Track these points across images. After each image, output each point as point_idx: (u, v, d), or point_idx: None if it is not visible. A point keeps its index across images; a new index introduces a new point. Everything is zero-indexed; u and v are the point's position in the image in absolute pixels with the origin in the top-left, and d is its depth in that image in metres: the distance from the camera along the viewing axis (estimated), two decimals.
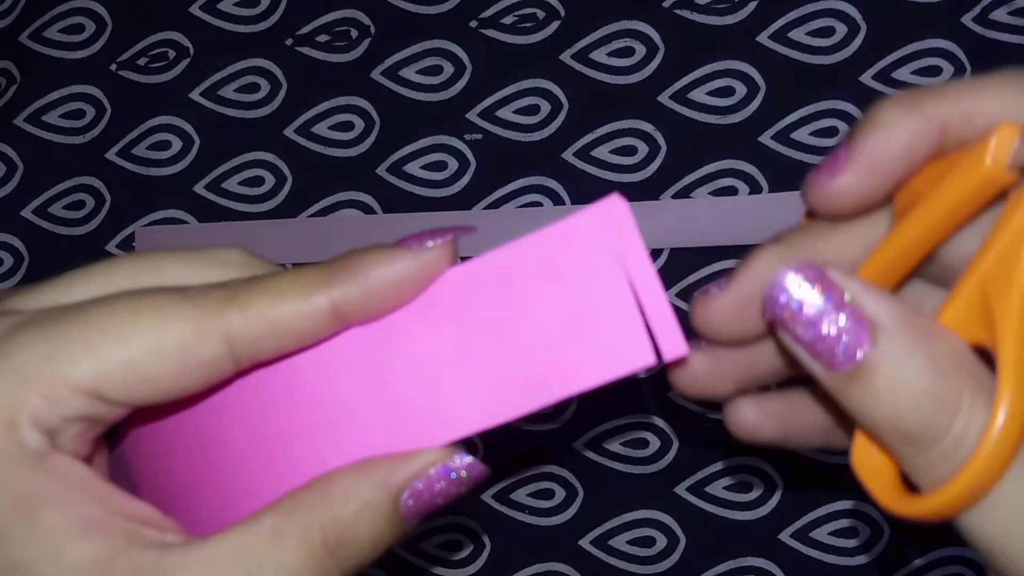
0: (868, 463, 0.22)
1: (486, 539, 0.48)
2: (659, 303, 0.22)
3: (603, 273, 0.22)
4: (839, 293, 0.21)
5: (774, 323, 0.22)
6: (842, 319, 0.20)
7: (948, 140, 0.23)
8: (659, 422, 0.47)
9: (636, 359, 0.22)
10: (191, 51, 0.52)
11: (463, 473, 0.23)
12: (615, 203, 0.22)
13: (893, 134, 0.23)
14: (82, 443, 0.23)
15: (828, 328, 0.21)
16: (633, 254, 0.22)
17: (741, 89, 0.48)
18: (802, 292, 0.21)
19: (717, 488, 0.47)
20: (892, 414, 0.20)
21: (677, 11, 0.48)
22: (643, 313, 0.22)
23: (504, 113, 0.49)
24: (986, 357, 0.21)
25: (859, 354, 0.20)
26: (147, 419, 0.26)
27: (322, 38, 0.51)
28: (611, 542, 0.48)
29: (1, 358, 0.22)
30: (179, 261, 0.25)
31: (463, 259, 0.23)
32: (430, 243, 0.23)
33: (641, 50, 0.49)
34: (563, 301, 0.22)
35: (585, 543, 0.48)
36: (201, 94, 0.51)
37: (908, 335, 0.20)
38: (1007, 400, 0.19)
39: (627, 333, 0.22)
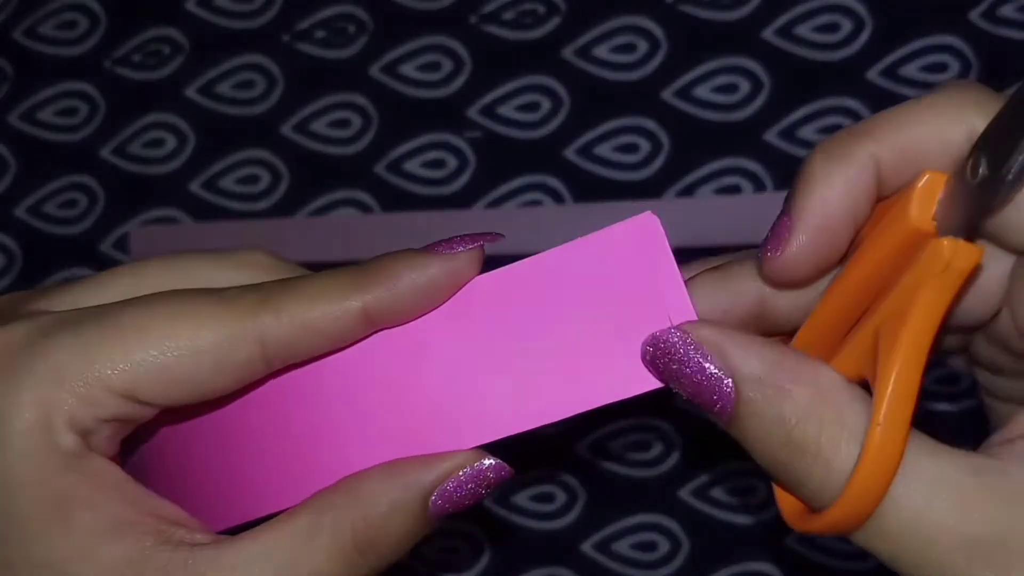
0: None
1: (487, 543, 0.48)
2: (688, 320, 0.22)
3: (633, 288, 0.22)
4: (704, 349, 0.22)
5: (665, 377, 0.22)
6: (710, 372, 0.21)
7: (886, 181, 0.22)
8: (662, 426, 0.47)
9: None
10: (186, 47, 0.51)
11: (490, 475, 0.23)
12: (648, 220, 0.22)
13: (829, 191, 0.22)
14: (113, 443, 0.23)
15: (702, 381, 0.22)
16: (664, 270, 0.22)
17: (745, 86, 0.48)
18: (680, 348, 0.22)
19: (720, 492, 0.47)
20: (764, 458, 0.22)
21: (680, 7, 0.48)
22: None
23: (504, 110, 0.49)
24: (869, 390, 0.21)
25: (728, 407, 0.21)
26: (170, 418, 0.26)
27: (319, 34, 0.51)
28: (613, 546, 0.47)
29: (36, 358, 0.22)
30: (207, 263, 0.25)
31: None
32: (460, 249, 0.23)
33: (644, 46, 0.48)
34: (591, 313, 0.22)
35: (587, 547, 0.48)
36: (196, 91, 0.51)
37: (769, 389, 0.21)
38: (876, 438, 0.20)
39: None
